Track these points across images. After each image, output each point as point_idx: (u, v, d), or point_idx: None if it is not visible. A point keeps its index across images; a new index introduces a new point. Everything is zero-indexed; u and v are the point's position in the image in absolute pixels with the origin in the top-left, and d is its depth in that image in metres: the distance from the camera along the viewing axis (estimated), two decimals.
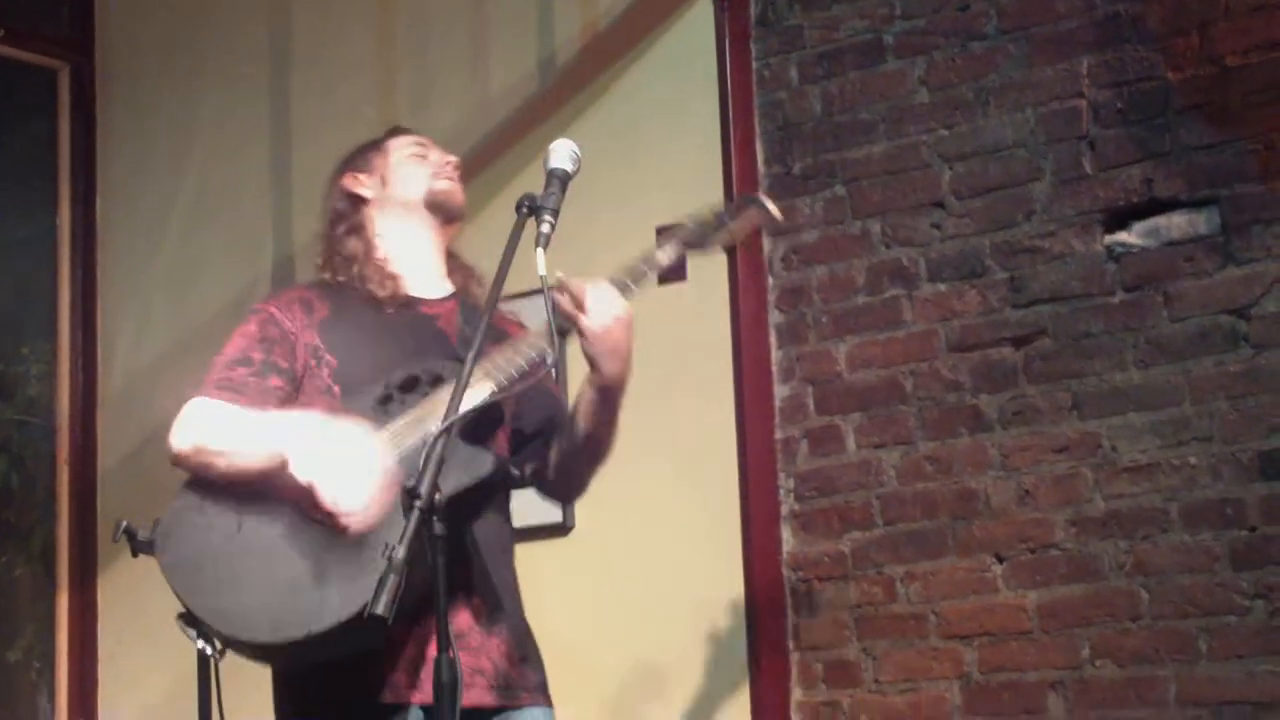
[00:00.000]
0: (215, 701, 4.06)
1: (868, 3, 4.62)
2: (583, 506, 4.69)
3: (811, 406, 4.58)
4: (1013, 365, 4.33)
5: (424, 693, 3.02)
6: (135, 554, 4.30)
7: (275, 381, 3.22)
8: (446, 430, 2.70)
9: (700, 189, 4.72)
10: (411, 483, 2.64)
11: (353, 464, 3.01)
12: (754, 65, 4.78)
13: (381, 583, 2.56)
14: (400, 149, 3.51)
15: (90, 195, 5.92)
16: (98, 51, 6.00)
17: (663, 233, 3.36)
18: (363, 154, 3.55)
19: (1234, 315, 4.07)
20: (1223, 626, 4.01)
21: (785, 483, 4.60)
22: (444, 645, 2.66)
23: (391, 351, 3.22)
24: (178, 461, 3.25)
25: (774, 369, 4.63)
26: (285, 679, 3.21)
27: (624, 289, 3.17)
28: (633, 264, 3.25)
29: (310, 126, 5.56)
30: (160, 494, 5.41)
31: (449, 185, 3.46)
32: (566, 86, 5.04)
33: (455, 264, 3.48)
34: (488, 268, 3.20)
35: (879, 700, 4.41)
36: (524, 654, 3.21)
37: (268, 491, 3.08)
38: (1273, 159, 4.05)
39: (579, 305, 3.10)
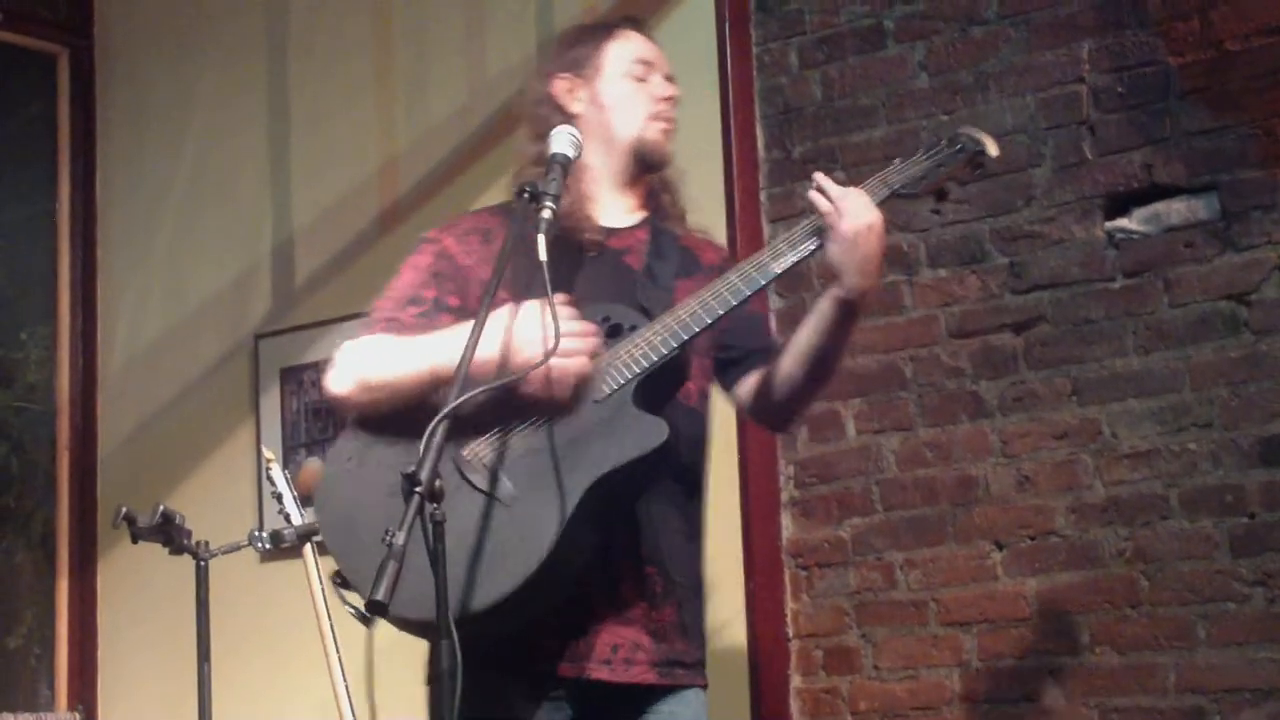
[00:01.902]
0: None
1: None
2: None
3: None
4: (1013, 351, 4.33)
5: (582, 666, 2.95)
6: (135, 540, 4.31)
7: (444, 322, 3.03)
8: (447, 416, 2.65)
9: (700, 174, 4.69)
10: (410, 468, 2.61)
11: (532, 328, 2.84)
12: (754, 50, 4.77)
13: (381, 569, 2.53)
14: (619, 59, 3.22)
15: (89, 179, 5.91)
16: (96, 36, 5.99)
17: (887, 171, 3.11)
18: (579, 49, 3.26)
19: (1234, 301, 4.07)
20: (1222, 614, 4.01)
21: (785, 469, 4.59)
22: (445, 632, 2.61)
23: (570, 292, 2.98)
24: (340, 405, 3.05)
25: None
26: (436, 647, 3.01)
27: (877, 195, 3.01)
28: (885, 172, 3.09)
29: (308, 109, 5.56)
30: (160, 479, 5.48)
31: (661, 135, 3.21)
32: None
33: (654, 188, 3.25)
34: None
35: (879, 687, 4.41)
36: (689, 629, 3.07)
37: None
38: (1273, 144, 4.04)
39: (835, 207, 2.96)
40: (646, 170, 3.22)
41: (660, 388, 2.97)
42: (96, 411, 5.79)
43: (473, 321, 2.80)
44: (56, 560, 5.66)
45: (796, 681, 4.51)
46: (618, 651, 2.97)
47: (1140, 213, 4.21)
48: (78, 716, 5.43)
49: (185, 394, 5.64)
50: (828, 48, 4.67)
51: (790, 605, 4.54)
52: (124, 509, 4.29)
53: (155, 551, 4.39)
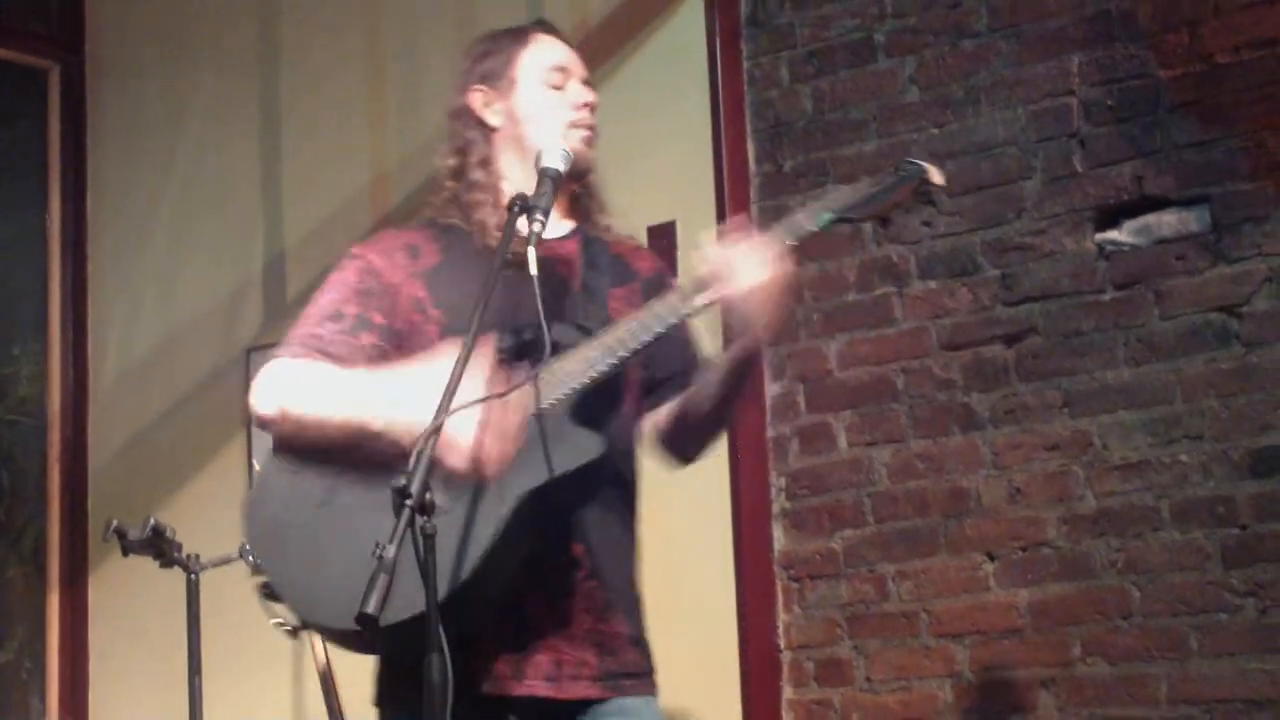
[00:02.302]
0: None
1: (858, 1, 4.62)
2: None
3: (803, 404, 4.58)
4: (1004, 363, 4.33)
5: (526, 684, 2.91)
6: (126, 553, 4.32)
7: (368, 339, 2.99)
8: (435, 430, 2.64)
9: (692, 188, 4.72)
10: (402, 483, 2.60)
11: (464, 418, 2.74)
12: (744, 64, 4.78)
13: (372, 581, 2.51)
14: (534, 66, 3.14)
15: (80, 194, 5.91)
16: (88, 51, 6.00)
17: (819, 199, 3.03)
18: (492, 59, 3.17)
19: (1224, 313, 4.08)
20: (1214, 624, 4.01)
21: (776, 481, 4.60)
22: (435, 645, 2.59)
23: (505, 307, 2.90)
24: (264, 426, 3.00)
25: (765, 367, 4.63)
26: (383, 666, 3.01)
27: (783, 242, 2.90)
28: (792, 218, 2.97)
29: (299, 123, 5.56)
30: (151, 492, 5.47)
31: (582, 144, 3.10)
32: None
33: (577, 194, 3.18)
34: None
35: (871, 699, 4.41)
36: (633, 639, 3.04)
37: (365, 457, 2.85)
38: (1263, 157, 4.05)
39: (720, 271, 2.87)
40: (570, 180, 3.10)
41: (597, 404, 2.93)
42: (87, 425, 5.79)
43: (404, 364, 2.85)
44: (47, 574, 5.65)
45: (788, 693, 4.50)
46: (562, 668, 2.93)
47: (1131, 225, 4.22)
48: None
49: (177, 408, 5.63)
50: (818, 61, 4.68)
51: (782, 617, 4.54)
52: (114, 522, 4.29)
53: (146, 565, 4.39)
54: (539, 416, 2.88)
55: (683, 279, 2.96)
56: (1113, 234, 4.24)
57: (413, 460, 2.59)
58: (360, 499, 2.85)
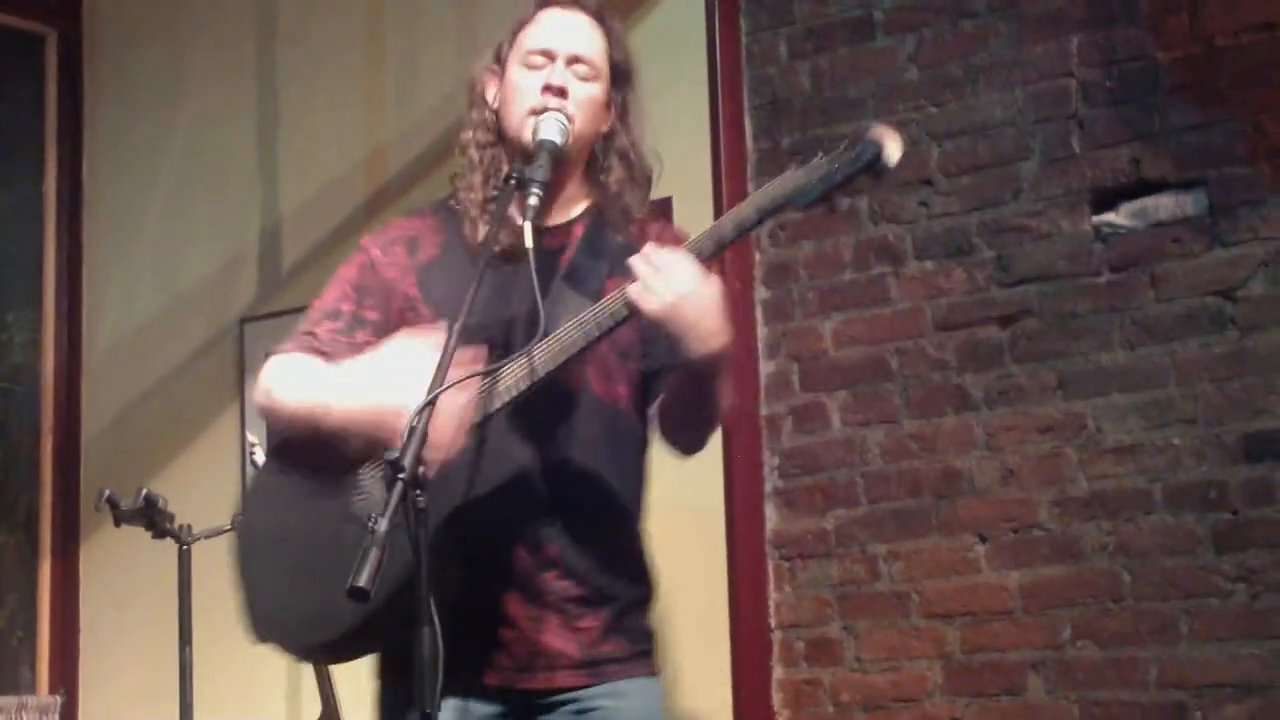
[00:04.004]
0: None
1: None
2: None
3: (797, 384, 4.58)
4: (998, 344, 4.33)
5: (502, 675, 2.92)
6: (118, 523, 4.32)
7: (362, 336, 2.97)
8: (431, 403, 2.64)
9: (689, 164, 4.70)
10: (394, 454, 2.59)
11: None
12: (743, 41, 4.77)
13: (363, 556, 2.51)
14: (520, 47, 3.02)
15: (76, 162, 5.90)
16: (85, 17, 5.98)
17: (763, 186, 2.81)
18: (504, 34, 3.06)
19: (1220, 297, 4.07)
20: (1204, 609, 4.01)
21: (769, 460, 4.59)
22: (426, 619, 2.59)
23: (490, 304, 2.86)
24: (261, 414, 3.06)
25: (759, 345, 4.62)
26: (383, 660, 3.02)
27: (700, 255, 2.78)
28: (718, 223, 2.82)
29: (297, 94, 5.55)
30: (144, 463, 5.47)
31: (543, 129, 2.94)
32: None
33: (592, 172, 3.08)
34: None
35: (860, 679, 4.41)
36: (621, 629, 2.99)
37: (339, 467, 2.88)
38: (1261, 140, 4.04)
39: (645, 285, 2.75)
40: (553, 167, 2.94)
41: (544, 409, 2.90)
42: (81, 395, 5.79)
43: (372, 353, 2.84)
44: (39, 543, 5.65)
45: (778, 672, 4.51)
46: (539, 660, 2.92)
47: (1128, 207, 4.22)
48: (59, 699, 5.43)
49: (170, 378, 5.63)
50: (817, 38, 4.67)
51: (773, 596, 4.54)
52: (107, 492, 4.29)
53: (138, 535, 4.39)
54: (479, 426, 2.84)
55: (619, 290, 2.82)
56: (1109, 216, 4.23)
57: (404, 434, 2.59)
58: (317, 514, 2.88)
